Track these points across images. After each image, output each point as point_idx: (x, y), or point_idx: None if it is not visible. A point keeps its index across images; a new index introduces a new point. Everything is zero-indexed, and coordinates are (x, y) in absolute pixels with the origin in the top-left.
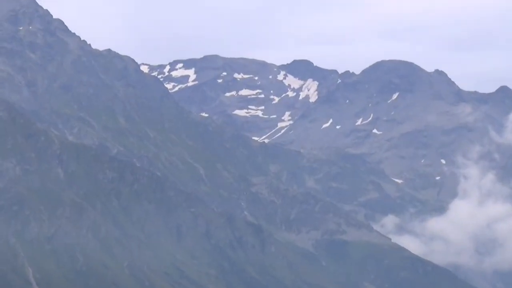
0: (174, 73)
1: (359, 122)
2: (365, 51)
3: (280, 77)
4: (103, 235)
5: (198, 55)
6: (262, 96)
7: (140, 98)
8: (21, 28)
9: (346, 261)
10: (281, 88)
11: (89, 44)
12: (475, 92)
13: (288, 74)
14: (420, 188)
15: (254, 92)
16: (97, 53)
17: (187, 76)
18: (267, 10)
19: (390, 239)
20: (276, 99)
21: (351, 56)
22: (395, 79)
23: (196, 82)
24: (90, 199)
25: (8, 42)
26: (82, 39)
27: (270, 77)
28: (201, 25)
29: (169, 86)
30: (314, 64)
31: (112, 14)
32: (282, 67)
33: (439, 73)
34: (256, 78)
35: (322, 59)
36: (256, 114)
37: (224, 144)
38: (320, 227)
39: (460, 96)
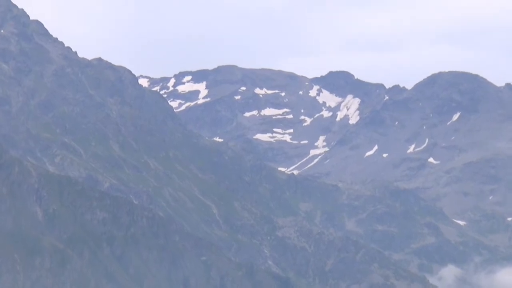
0: (181, 88)
1: (411, 149)
2: (419, 60)
3: (312, 92)
4: None
5: (211, 65)
6: (290, 116)
7: (138, 119)
8: None
9: None
10: (314, 106)
11: (75, 52)
12: None
13: (322, 89)
14: (487, 232)
15: (281, 111)
16: (84, 63)
17: (197, 92)
18: (296, 10)
19: None
20: (308, 120)
21: (401, 67)
22: (456, 96)
23: (208, 99)
24: (75, 246)
25: None
26: (66, 45)
27: (301, 92)
28: (214, 28)
29: (174, 104)
30: (355, 77)
31: (103, 14)
32: (315, 80)
33: (511, 88)
34: (283, 94)
35: (365, 70)
36: (283, 139)
37: (242, 176)
38: (363, 281)
39: None
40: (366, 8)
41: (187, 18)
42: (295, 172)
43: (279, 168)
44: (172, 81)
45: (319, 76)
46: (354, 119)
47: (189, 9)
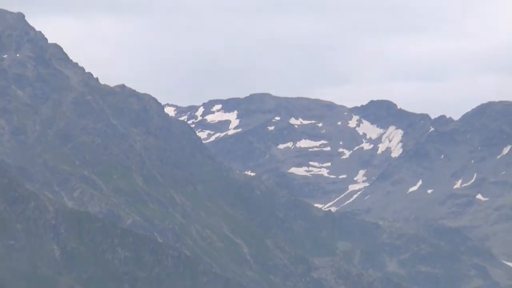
0: (210, 118)
1: (458, 184)
2: (467, 89)
3: (352, 123)
4: None
5: (242, 93)
6: (328, 148)
7: (163, 151)
8: (5, 56)
9: None
10: (354, 138)
11: (96, 78)
12: None
13: (363, 120)
14: None
15: (317, 143)
16: (106, 90)
17: (227, 122)
18: (334, 36)
19: None
20: (347, 153)
21: (448, 96)
22: (506, 127)
23: (239, 130)
24: (95, 287)
25: None
26: (86, 71)
27: (339, 123)
28: (246, 53)
29: (202, 134)
30: (398, 106)
31: (126, 38)
32: (355, 110)
33: None
34: (320, 124)
35: (409, 100)
36: (320, 173)
37: (276, 213)
38: None
39: None
40: (409, 36)
41: (216, 42)
42: (333, 209)
43: (315, 205)
44: (201, 110)
45: (359, 105)
46: (396, 152)
47: (219, 33)
